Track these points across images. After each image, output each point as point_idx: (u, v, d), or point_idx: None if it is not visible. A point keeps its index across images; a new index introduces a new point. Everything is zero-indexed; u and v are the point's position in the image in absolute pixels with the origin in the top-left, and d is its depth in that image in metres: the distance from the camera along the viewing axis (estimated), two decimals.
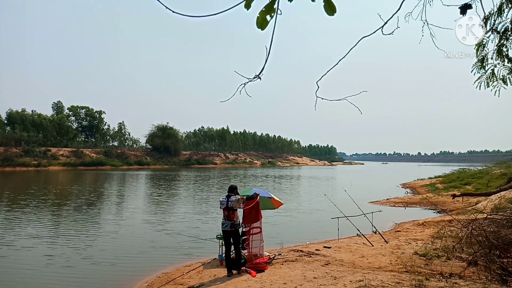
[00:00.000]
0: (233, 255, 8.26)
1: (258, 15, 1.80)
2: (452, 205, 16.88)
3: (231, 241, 7.32)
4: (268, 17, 1.81)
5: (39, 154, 67.81)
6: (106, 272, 8.37)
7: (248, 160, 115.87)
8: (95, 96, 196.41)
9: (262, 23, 1.81)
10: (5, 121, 75.61)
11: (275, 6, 1.78)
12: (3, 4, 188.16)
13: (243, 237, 8.17)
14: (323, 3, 1.81)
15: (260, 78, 2.20)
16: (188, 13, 1.88)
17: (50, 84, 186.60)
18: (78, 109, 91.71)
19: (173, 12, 1.86)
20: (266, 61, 2.08)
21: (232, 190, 7.47)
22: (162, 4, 1.79)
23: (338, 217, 10.50)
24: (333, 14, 1.86)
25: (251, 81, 2.24)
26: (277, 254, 8.57)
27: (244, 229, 7.59)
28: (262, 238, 7.66)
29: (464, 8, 4.23)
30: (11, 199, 20.94)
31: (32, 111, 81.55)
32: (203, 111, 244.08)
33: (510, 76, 4.94)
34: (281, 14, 1.77)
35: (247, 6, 1.75)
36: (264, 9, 1.78)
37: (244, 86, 2.30)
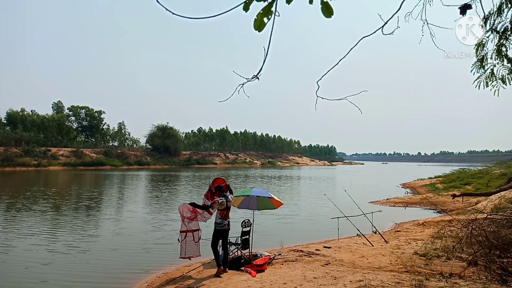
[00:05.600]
0: (232, 254, 8.28)
1: (256, 17, 1.80)
2: (452, 205, 16.88)
3: (222, 240, 7.38)
4: (265, 19, 1.81)
5: (39, 154, 67.83)
6: (106, 272, 8.37)
7: (248, 160, 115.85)
8: (95, 96, 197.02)
9: (259, 25, 1.82)
10: (5, 121, 75.69)
11: (273, 8, 1.78)
12: (3, 4, 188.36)
13: (244, 237, 8.19)
14: (321, 6, 1.82)
15: (258, 78, 2.20)
16: (188, 15, 1.88)
17: (50, 84, 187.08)
18: (78, 109, 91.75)
19: (173, 14, 1.86)
20: (264, 61, 2.09)
21: (223, 190, 7.44)
22: (162, 6, 1.79)
23: (338, 217, 10.51)
24: (330, 17, 1.87)
25: (249, 81, 2.25)
26: (277, 254, 8.57)
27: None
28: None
29: (464, 8, 4.23)
30: (11, 199, 20.94)
31: (31, 111, 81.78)
32: (203, 111, 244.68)
33: (509, 76, 4.93)
34: (279, 15, 1.78)
35: (246, 9, 1.76)
36: (261, 11, 1.79)
37: (242, 86, 2.31)
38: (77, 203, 20.12)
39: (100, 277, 8.04)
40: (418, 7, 4.03)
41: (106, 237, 11.94)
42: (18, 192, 25.24)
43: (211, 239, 7.31)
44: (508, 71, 4.94)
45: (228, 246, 8.06)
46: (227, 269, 7.28)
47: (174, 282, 7.03)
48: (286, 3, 1.82)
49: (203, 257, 8.02)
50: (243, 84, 2.29)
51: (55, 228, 13.17)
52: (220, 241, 7.36)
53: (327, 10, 1.84)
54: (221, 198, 7.16)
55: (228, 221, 7.30)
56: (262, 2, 1.76)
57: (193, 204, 7.21)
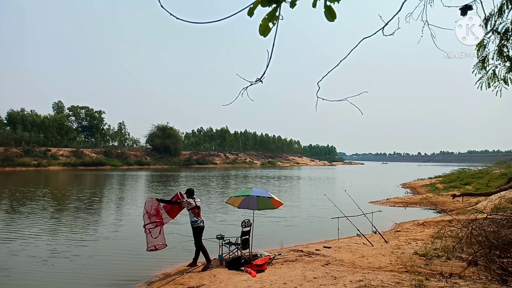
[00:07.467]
0: (232, 254, 8.29)
1: (261, 23, 1.81)
2: (452, 205, 16.89)
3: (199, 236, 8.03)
4: (270, 24, 1.82)
5: (39, 154, 67.85)
6: (106, 272, 8.36)
7: (248, 160, 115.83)
8: (95, 96, 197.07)
9: (264, 30, 1.82)
10: (5, 121, 75.68)
11: (277, 13, 1.78)
12: (3, 4, 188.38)
13: (244, 237, 8.21)
14: (324, 10, 1.82)
15: (262, 81, 2.21)
16: (191, 18, 1.89)
17: (50, 84, 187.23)
18: (78, 109, 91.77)
19: (177, 18, 1.86)
20: (267, 65, 2.09)
21: (193, 193, 8.29)
22: (167, 11, 1.80)
23: (338, 217, 10.52)
24: (333, 20, 1.88)
25: (252, 84, 2.25)
26: (277, 254, 8.58)
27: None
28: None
29: (465, 9, 4.24)
30: (11, 199, 20.94)
31: (31, 111, 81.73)
32: (203, 111, 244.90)
33: (511, 76, 4.94)
34: (282, 19, 1.78)
35: (250, 14, 1.76)
36: (266, 16, 1.79)
37: (246, 90, 2.31)
38: (77, 203, 20.09)
39: (100, 277, 8.01)
40: (418, 8, 4.05)
41: (106, 237, 11.90)
42: (13, 192, 25.15)
43: (211, 239, 7.57)
44: (509, 70, 4.95)
45: (227, 246, 8.22)
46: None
47: (174, 282, 7.04)
48: (290, 7, 1.82)
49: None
50: (246, 88, 2.30)
51: (53, 229, 13.14)
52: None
53: (330, 14, 1.85)
54: (189, 199, 8.05)
55: (202, 220, 8.10)
56: (267, 7, 1.76)
57: (161, 200, 8.08)
